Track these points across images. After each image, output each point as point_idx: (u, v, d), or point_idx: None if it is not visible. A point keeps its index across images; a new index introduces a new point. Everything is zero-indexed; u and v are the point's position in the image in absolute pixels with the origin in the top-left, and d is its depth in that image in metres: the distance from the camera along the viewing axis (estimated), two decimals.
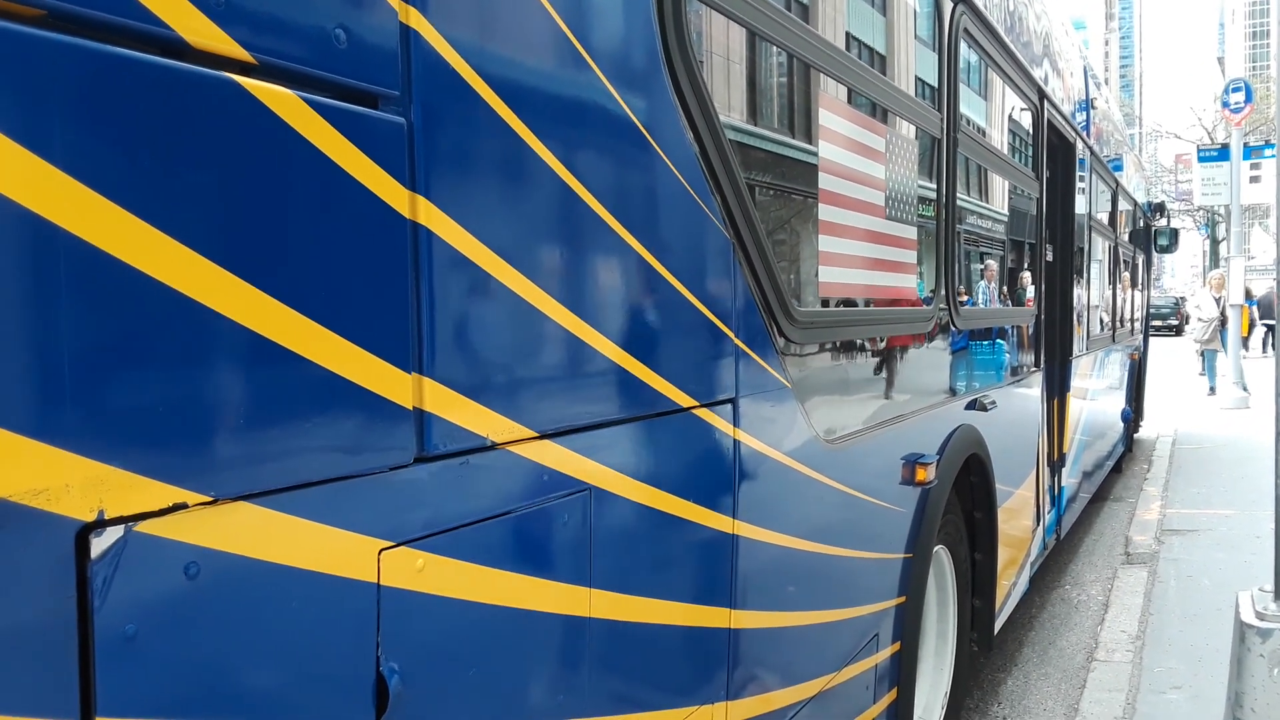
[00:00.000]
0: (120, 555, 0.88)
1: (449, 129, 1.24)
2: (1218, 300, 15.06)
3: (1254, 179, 14.46)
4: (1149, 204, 11.10)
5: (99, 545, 0.86)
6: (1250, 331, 18.47)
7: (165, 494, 0.92)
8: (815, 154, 2.39)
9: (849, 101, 2.61)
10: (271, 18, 1.02)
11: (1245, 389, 13.99)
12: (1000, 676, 4.54)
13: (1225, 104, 14.79)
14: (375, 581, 1.14)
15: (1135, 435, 10.42)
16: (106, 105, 0.87)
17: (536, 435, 1.39)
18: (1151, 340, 12.44)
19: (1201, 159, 15.83)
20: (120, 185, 0.88)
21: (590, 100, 1.51)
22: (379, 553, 1.15)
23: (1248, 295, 15.44)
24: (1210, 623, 4.80)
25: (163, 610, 0.92)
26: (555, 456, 1.44)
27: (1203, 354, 15.55)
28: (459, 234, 1.24)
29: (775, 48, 2.18)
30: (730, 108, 1.99)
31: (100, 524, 0.87)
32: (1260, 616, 2.90)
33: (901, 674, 2.96)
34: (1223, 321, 14.62)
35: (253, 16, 0.99)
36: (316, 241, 1.06)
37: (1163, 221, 11.53)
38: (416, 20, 1.18)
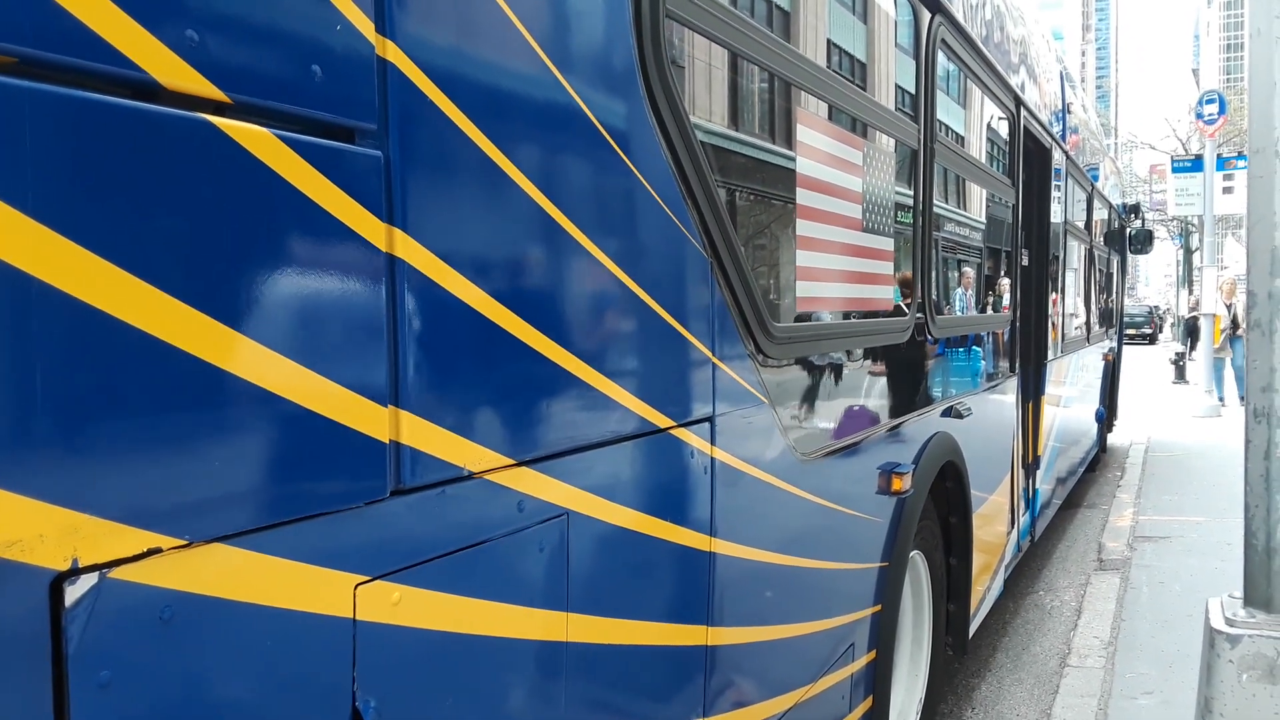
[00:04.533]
0: (95, 602, 0.87)
1: (426, 160, 1.23)
2: (1229, 307, 14.75)
3: (1227, 190, 14.59)
4: (1124, 206, 11.21)
5: (73, 594, 0.86)
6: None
7: (139, 539, 0.91)
8: (791, 168, 2.40)
9: (825, 115, 2.62)
10: (246, 55, 1.00)
11: (1221, 398, 14.14)
12: (974, 682, 4.56)
13: (1199, 115, 14.97)
14: (351, 617, 1.13)
15: (1109, 435, 10.50)
16: (78, 151, 0.86)
17: (513, 463, 1.39)
18: (1126, 348, 12.47)
19: (1175, 170, 16.01)
20: (92, 230, 0.87)
21: (568, 127, 1.51)
22: (355, 588, 1.14)
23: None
24: (1181, 628, 4.84)
25: (137, 656, 0.92)
26: (532, 483, 1.44)
27: (1213, 362, 15.03)
28: (436, 265, 1.23)
29: (750, 64, 2.20)
30: (706, 127, 1.99)
31: (74, 572, 0.86)
32: (1230, 623, 2.92)
33: (877, 682, 2.97)
34: (1234, 329, 14.35)
35: (226, 55, 0.98)
36: (291, 279, 1.06)
37: (1138, 223, 11.67)
38: (393, 53, 1.17)
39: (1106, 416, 9.72)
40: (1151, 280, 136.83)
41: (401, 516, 1.21)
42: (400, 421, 1.19)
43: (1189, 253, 36.53)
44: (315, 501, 1.08)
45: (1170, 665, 4.46)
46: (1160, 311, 50.57)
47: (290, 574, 1.06)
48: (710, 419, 1.91)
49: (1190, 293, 30.27)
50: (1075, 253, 7.33)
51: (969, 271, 4.39)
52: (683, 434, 1.82)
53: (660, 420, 1.74)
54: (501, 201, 1.36)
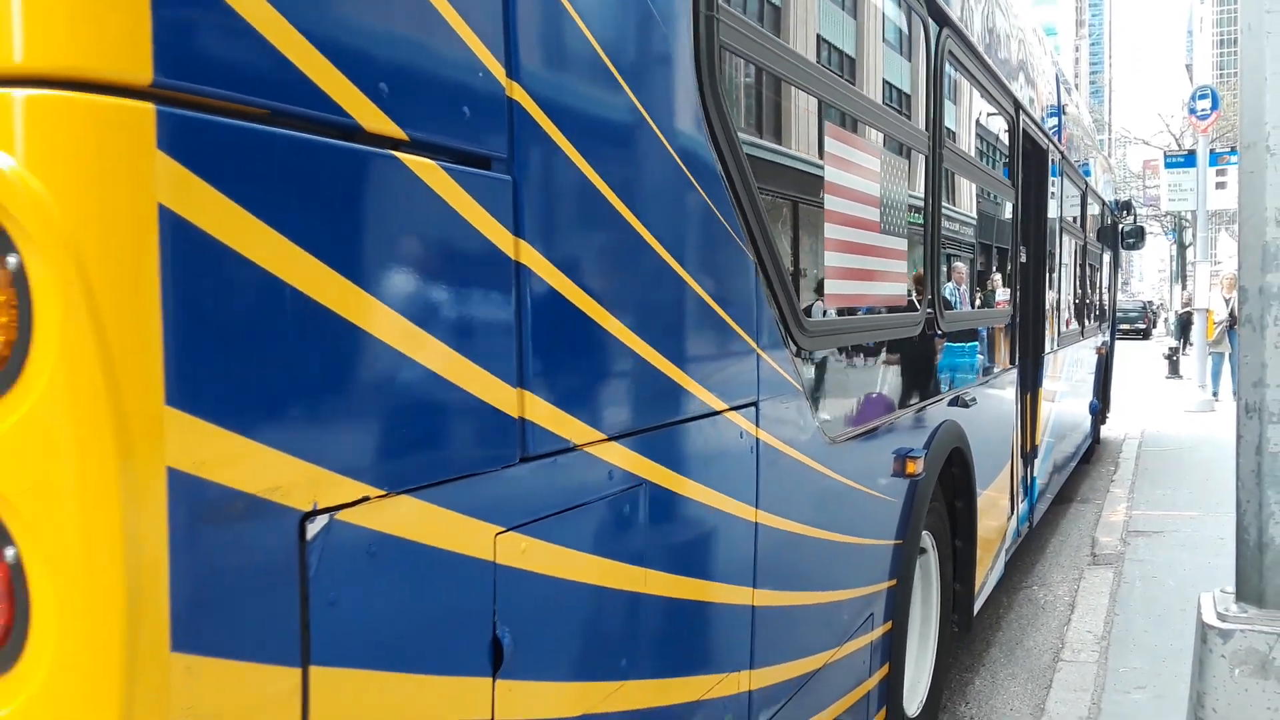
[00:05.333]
0: (326, 537, 1.12)
1: (541, 182, 1.47)
2: (1227, 301, 14.63)
3: (1220, 185, 14.64)
4: (1116, 203, 11.46)
5: (313, 529, 1.10)
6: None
7: (355, 489, 1.16)
8: (819, 176, 2.66)
9: (847, 127, 2.87)
10: (418, 101, 1.25)
11: (1215, 393, 14.17)
12: (968, 677, 4.57)
13: (1193, 110, 14.98)
14: (493, 560, 1.38)
15: (1102, 427, 10.64)
16: (309, 178, 1.10)
17: (605, 438, 1.63)
18: (1119, 344, 12.57)
19: (1168, 165, 16.04)
20: (320, 244, 1.11)
21: (645, 149, 1.77)
22: (495, 536, 1.39)
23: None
24: (1174, 623, 4.86)
25: (352, 581, 1.16)
26: (618, 455, 1.68)
27: (1209, 356, 14.99)
28: (549, 269, 1.47)
29: (783, 82, 2.45)
30: (749, 142, 2.23)
31: (314, 513, 1.10)
32: (1222, 618, 2.93)
33: (893, 650, 3.21)
34: (1231, 324, 14.33)
35: (404, 102, 1.22)
36: (451, 281, 1.31)
37: (1129, 219, 11.96)
38: (518, 93, 1.41)
39: (1100, 409, 9.99)
40: (1145, 275, 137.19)
41: (526, 480, 1.45)
42: (525, 401, 1.43)
43: (1182, 248, 36.61)
44: (469, 464, 1.34)
45: (1163, 660, 4.47)
46: (1154, 307, 50.71)
47: (452, 522, 1.31)
48: (755, 404, 2.16)
49: (1184, 288, 30.33)
50: (1070, 249, 7.54)
51: (974, 268, 4.60)
52: (734, 416, 2.07)
53: (716, 404, 1.99)
54: (596, 215, 1.61)
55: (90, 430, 0.89)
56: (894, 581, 3.17)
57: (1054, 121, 6.41)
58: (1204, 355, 14.32)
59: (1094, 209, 9.17)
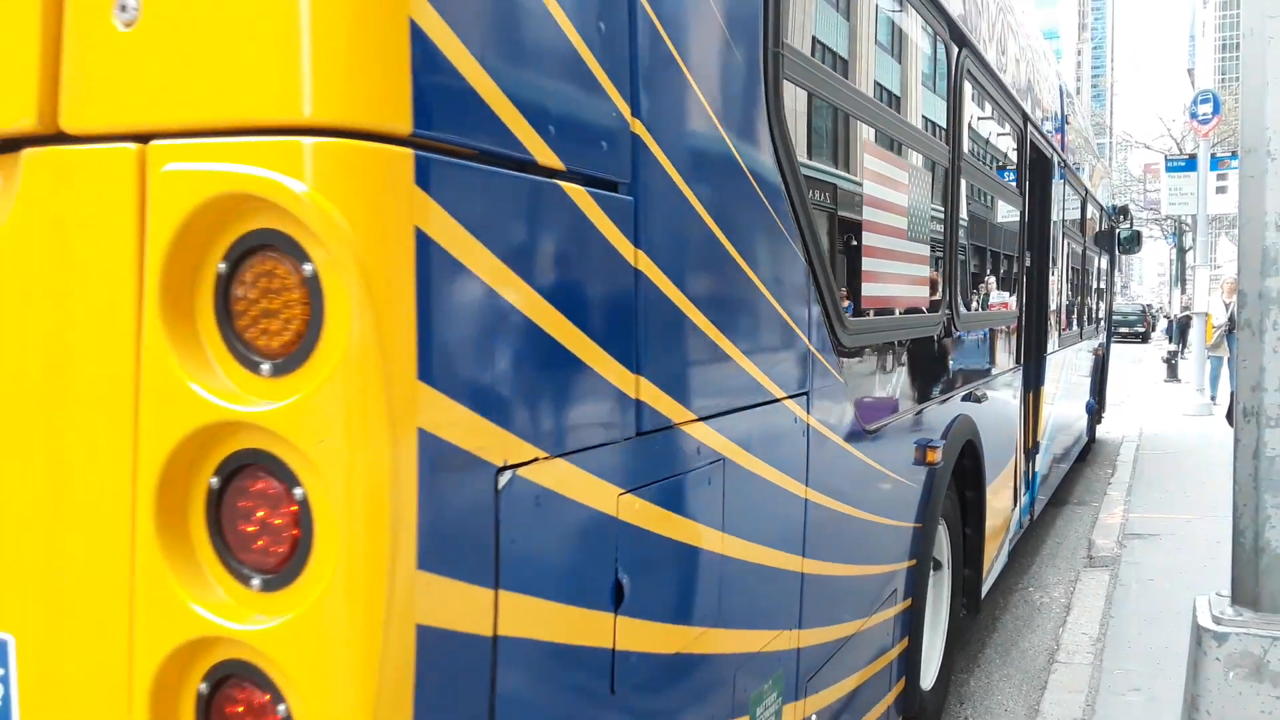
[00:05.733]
0: (510, 488, 1.39)
1: (654, 202, 1.75)
2: (1227, 306, 14.61)
3: (1220, 189, 14.65)
4: (1113, 207, 11.75)
5: (502, 481, 1.38)
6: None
7: (530, 451, 1.44)
8: (858, 190, 2.99)
9: (881, 144, 3.21)
10: (573, 139, 1.53)
11: (1213, 397, 14.17)
12: (963, 678, 4.58)
13: (1194, 115, 14.98)
14: (616, 515, 1.66)
15: (1098, 426, 10.83)
16: (501, 203, 1.39)
17: (695, 418, 1.90)
18: (1119, 347, 12.71)
19: (1169, 169, 16.03)
20: (514, 258, 1.40)
21: (729, 171, 2.05)
22: (618, 496, 1.67)
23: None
24: (1169, 625, 4.87)
25: (524, 525, 1.43)
26: (705, 434, 1.95)
27: (1208, 360, 14.96)
28: (659, 275, 1.76)
29: (829, 106, 2.75)
30: (804, 161, 2.53)
31: (505, 468, 1.38)
32: (1217, 621, 2.93)
33: (913, 624, 3.50)
34: (1230, 328, 14.30)
35: (565, 140, 1.50)
36: (593, 285, 1.59)
37: (1126, 224, 12.24)
38: (640, 129, 1.70)
39: (1096, 408, 10.26)
40: (1145, 278, 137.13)
41: (640, 451, 1.73)
42: (640, 385, 1.71)
43: (1182, 252, 36.59)
44: (602, 436, 1.62)
45: (1158, 662, 4.48)
46: (1153, 310, 50.70)
47: (590, 482, 1.59)
48: (807, 393, 2.45)
49: (1183, 292, 30.34)
50: (1071, 253, 7.82)
51: (985, 272, 4.92)
52: (790, 404, 2.36)
53: (778, 393, 2.28)
54: (692, 229, 1.90)
55: (368, 397, 1.15)
56: (913, 561, 3.44)
57: (1057, 130, 6.63)
58: (1202, 359, 14.33)
59: (1093, 214, 9.43)
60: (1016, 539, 5.75)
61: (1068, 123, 7.23)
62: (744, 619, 2.18)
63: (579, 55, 1.53)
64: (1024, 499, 5.86)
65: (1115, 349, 12.77)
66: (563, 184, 1.49)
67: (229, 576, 1.22)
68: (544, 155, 1.45)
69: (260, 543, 1.20)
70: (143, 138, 1.22)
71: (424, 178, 1.22)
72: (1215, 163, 14.73)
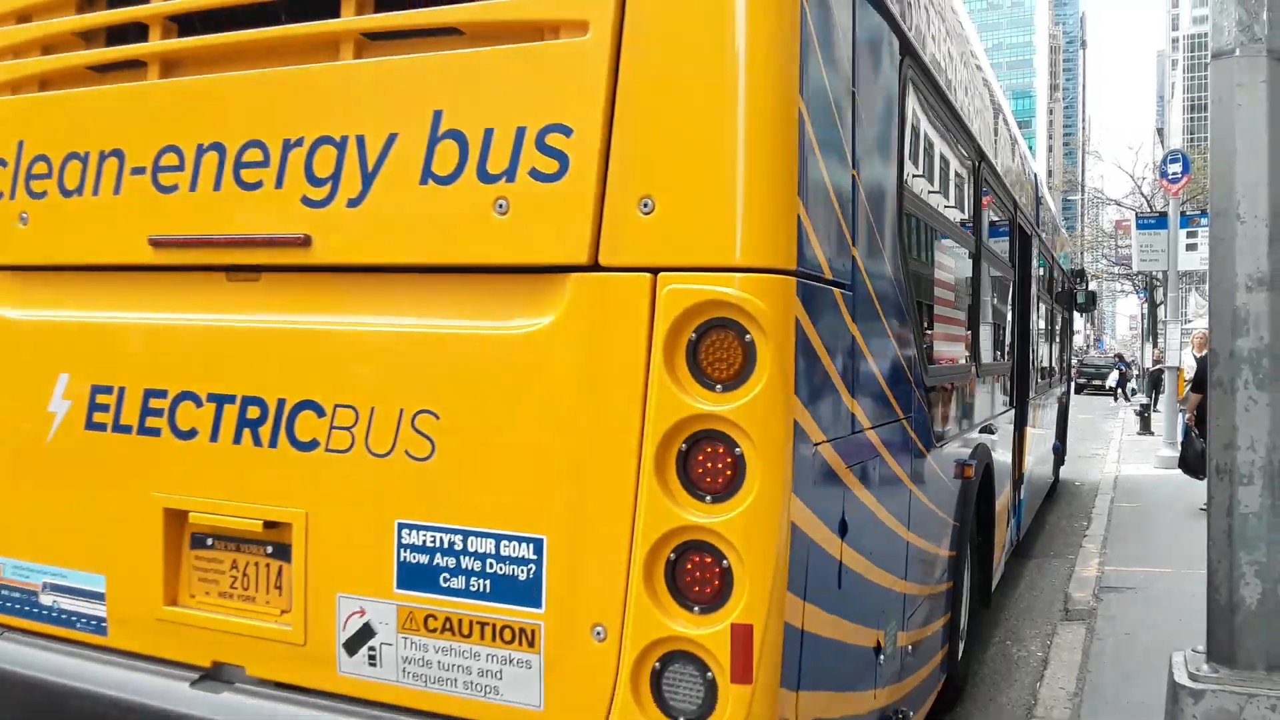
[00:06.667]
0: (819, 455, 2.45)
1: (859, 295, 2.70)
2: (1198, 360, 14.85)
3: (1190, 246, 14.87)
4: (1072, 271, 13.45)
5: (824, 448, 2.49)
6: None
7: (837, 431, 2.59)
8: (930, 275, 3.96)
9: (941, 240, 4.22)
10: (837, 265, 2.54)
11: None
12: None
13: (1164, 174, 15.31)
14: (843, 480, 2.63)
15: (1061, 468, 12.01)
16: (818, 301, 2.41)
17: (869, 426, 2.88)
18: (1092, 398, 13.18)
19: (1140, 226, 16.31)
20: (825, 330, 2.47)
21: (885, 280, 3.01)
22: (845, 469, 2.65)
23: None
24: (1147, 681, 4.87)
25: (830, 475, 2.56)
26: (871, 437, 2.91)
27: (1179, 414, 14.96)
28: (859, 335, 2.71)
29: (920, 225, 3.78)
30: (912, 268, 3.49)
31: (822, 443, 2.44)
32: (1193, 677, 2.95)
33: (952, 602, 4.32)
34: (1197, 384, 14.35)
35: (834, 260, 2.50)
36: (842, 339, 2.59)
37: (1083, 286, 13.69)
38: (855, 254, 2.68)
39: (1061, 450, 11.54)
40: (1117, 331, 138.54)
41: (848, 443, 2.65)
42: (853, 401, 2.69)
43: (1154, 306, 37.12)
44: (842, 429, 2.58)
45: (1135, 718, 4.48)
46: (1126, 362, 51.24)
47: (834, 460, 2.54)
48: (910, 417, 3.34)
49: (1155, 345, 30.72)
50: (1043, 312, 9.15)
51: (993, 329, 5.98)
52: (905, 424, 3.27)
53: (900, 414, 3.21)
54: (872, 310, 2.86)
55: (774, 401, 2.16)
56: (953, 552, 4.26)
57: (1034, 213, 7.82)
58: (1174, 412, 14.48)
59: (1058, 278, 10.88)
60: (1010, 553, 7.00)
61: (1040, 203, 8.50)
62: (887, 564, 3.11)
63: (842, 232, 2.57)
64: (1014, 521, 6.98)
65: (1089, 400, 13.18)
66: (834, 289, 2.50)
67: (689, 496, 2.21)
68: (829, 274, 2.47)
69: (709, 478, 2.20)
70: (654, 270, 2.24)
71: (799, 291, 2.27)
72: (1185, 220, 15.00)
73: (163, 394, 2.70)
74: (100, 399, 2.78)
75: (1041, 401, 8.49)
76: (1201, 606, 3.07)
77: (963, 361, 4.64)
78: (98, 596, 2.81)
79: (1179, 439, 14.46)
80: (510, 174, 2.32)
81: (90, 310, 2.86)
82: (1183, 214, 15.00)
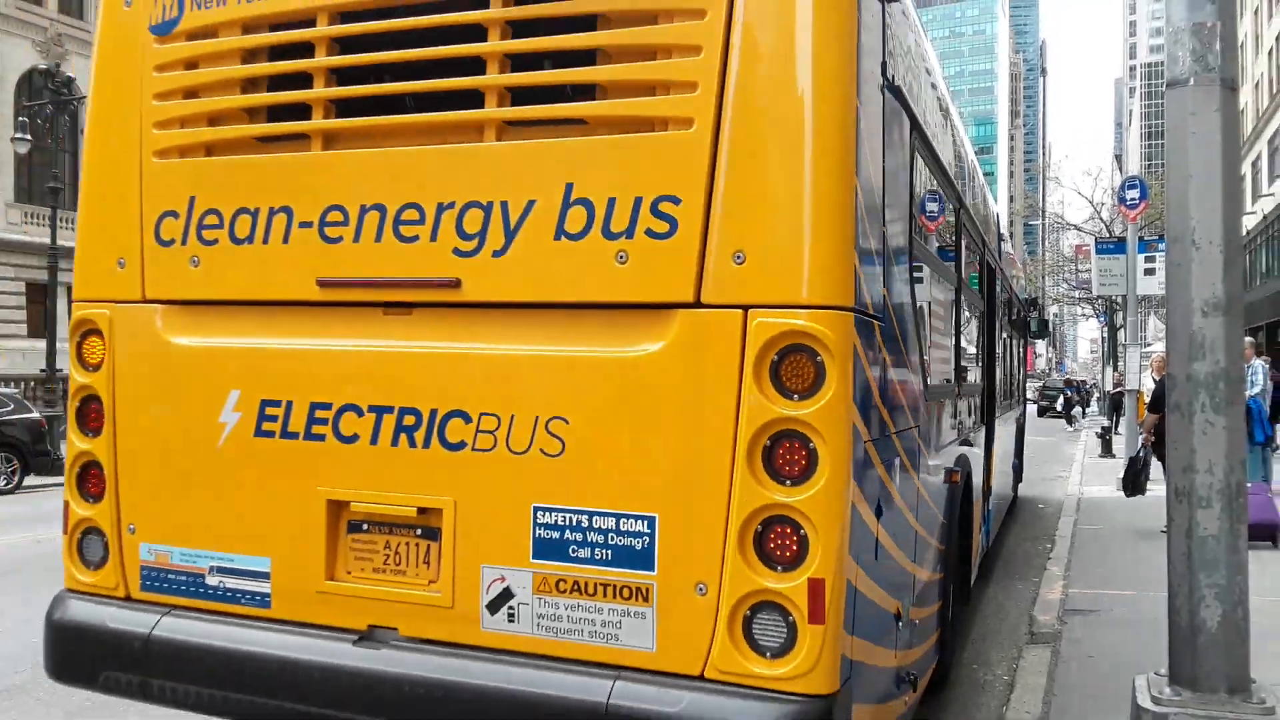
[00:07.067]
0: (884, 444, 3.34)
1: (887, 326, 3.25)
2: (1156, 383, 15.04)
3: (1148, 271, 15.07)
4: (1028, 300, 14.50)
5: (875, 443, 3.17)
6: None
7: (888, 429, 3.40)
8: (930, 309, 4.58)
9: (939, 278, 4.97)
10: (875, 302, 3.10)
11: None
12: None
13: (1122, 199, 15.57)
14: (875, 468, 3.12)
15: (1019, 485, 12.80)
16: (869, 333, 3.09)
17: (895, 431, 3.45)
18: (1053, 422, 13.47)
19: (1099, 251, 16.52)
20: (869, 352, 3.07)
21: (906, 316, 3.65)
22: (882, 465, 3.25)
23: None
24: (1111, 703, 4.89)
25: (875, 465, 3.20)
26: (896, 440, 3.48)
27: (1140, 437, 15.14)
28: (887, 357, 3.26)
29: (939, 281, 4.89)
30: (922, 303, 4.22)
31: (876, 439, 3.18)
32: (1156, 701, 2.96)
33: (942, 591, 4.91)
34: (1154, 405, 14.48)
35: (876, 303, 3.12)
36: (877, 362, 3.17)
37: (1035, 314, 14.48)
38: (885, 292, 3.23)
39: (1019, 468, 12.32)
40: (1078, 354, 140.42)
41: (885, 443, 3.29)
42: (885, 410, 3.33)
43: (1113, 330, 37.70)
44: (879, 432, 3.19)
45: None
46: (1087, 385, 51.95)
47: (869, 448, 3.08)
48: (919, 426, 3.95)
49: (1115, 369, 31.16)
50: (1004, 340, 9.77)
51: (971, 354, 6.69)
52: (915, 431, 3.86)
53: (912, 424, 3.78)
54: (896, 337, 3.42)
55: (839, 407, 2.74)
56: (944, 546, 4.83)
57: (997, 249, 8.62)
58: (1134, 435, 14.67)
59: (1016, 307, 11.74)
60: (980, 559, 7.62)
61: (1003, 240, 9.53)
62: (904, 546, 3.68)
63: (878, 275, 3.14)
64: (985, 528, 7.67)
65: (1051, 424, 13.39)
66: (874, 321, 3.04)
67: (773, 481, 2.76)
68: (871, 310, 3.00)
69: (788, 466, 2.75)
70: (744, 307, 2.79)
71: (856, 324, 2.82)
72: (1143, 246, 15.23)
73: (327, 406, 3.25)
74: (269, 411, 3.33)
75: (1005, 421, 9.39)
76: (1164, 629, 3.08)
77: (950, 382, 5.31)
78: (263, 576, 3.35)
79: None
80: (629, 233, 2.90)
81: (259, 337, 3.39)
82: (1141, 239, 15.24)
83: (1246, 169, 43.47)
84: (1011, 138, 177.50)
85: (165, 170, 3.50)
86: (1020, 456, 12.37)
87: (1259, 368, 11.42)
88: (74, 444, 3.63)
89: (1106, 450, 19.84)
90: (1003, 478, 9.51)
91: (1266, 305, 40.40)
